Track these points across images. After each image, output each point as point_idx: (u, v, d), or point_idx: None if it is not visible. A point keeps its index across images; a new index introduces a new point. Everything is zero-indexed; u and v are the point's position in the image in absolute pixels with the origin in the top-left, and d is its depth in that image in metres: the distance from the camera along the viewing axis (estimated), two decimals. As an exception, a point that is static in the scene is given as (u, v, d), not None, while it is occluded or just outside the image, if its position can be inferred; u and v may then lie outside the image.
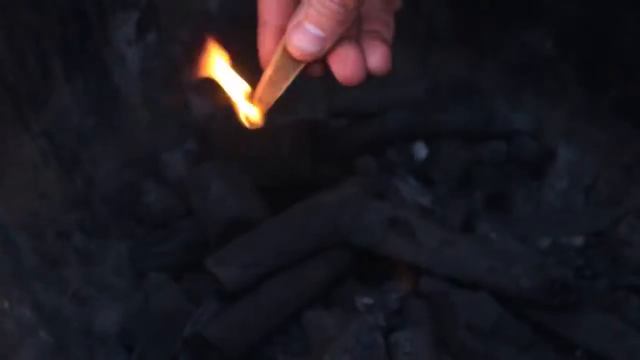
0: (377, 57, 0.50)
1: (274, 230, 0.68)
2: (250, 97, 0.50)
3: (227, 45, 0.50)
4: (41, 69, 0.70)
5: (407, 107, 0.85)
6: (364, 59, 0.50)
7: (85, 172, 0.75)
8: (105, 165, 0.78)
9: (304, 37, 0.47)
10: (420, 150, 0.84)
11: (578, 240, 0.73)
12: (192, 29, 0.83)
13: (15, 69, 0.67)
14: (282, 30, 0.48)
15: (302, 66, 0.49)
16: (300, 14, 0.47)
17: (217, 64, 0.52)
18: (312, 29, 0.47)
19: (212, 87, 0.50)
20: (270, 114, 0.50)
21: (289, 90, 0.49)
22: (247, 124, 0.51)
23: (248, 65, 0.49)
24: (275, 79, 0.50)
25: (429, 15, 0.88)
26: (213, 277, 0.66)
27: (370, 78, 0.51)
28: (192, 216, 0.74)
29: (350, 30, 0.49)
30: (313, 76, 0.51)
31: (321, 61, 0.50)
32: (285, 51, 0.48)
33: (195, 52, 0.50)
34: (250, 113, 0.50)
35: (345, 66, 0.50)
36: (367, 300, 0.66)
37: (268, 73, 0.49)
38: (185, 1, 0.82)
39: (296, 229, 0.67)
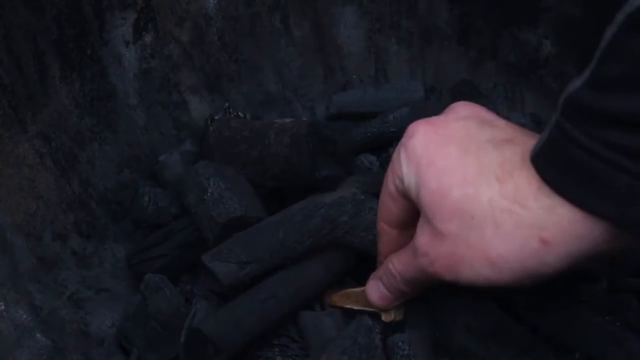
0: None
1: (272, 228, 0.68)
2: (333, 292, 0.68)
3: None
4: (38, 69, 0.70)
5: (407, 107, 0.84)
6: None
7: (82, 174, 0.75)
8: (102, 166, 0.78)
9: (375, 291, 0.61)
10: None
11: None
12: (189, 29, 0.83)
13: (12, 69, 0.67)
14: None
15: (374, 308, 0.63)
16: (380, 270, 0.60)
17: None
18: (381, 287, 0.60)
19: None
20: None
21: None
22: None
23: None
24: (354, 298, 0.66)
25: (428, 15, 0.88)
26: (210, 273, 0.66)
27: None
28: (189, 217, 0.74)
29: None
30: (385, 321, 0.64)
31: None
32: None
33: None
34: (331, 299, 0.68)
35: None
36: (365, 302, 0.66)
37: (356, 290, 0.66)
38: (182, 1, 0.81)
39: (294, 228, 0.67)
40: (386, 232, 0.59)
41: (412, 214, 0.54)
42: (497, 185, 0.46)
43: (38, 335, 0.65)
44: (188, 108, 0.85)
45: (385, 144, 0.82)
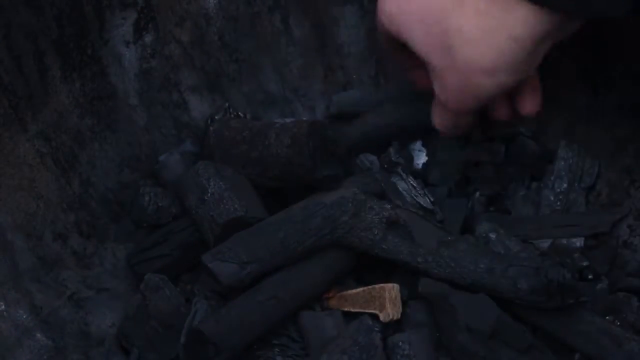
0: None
1: (273, 228, 0.68)
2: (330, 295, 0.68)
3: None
4: (38, 69, 0.70)
5: (406, 107, 0.84)
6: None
7: (82, 173, 0.75)
8: (102, 166, 0.78)
9: (438, 120, 0.69)
10: (420, 151, 0.84)
11: (578, 242, 0.72)
12: (189, 29, 0.83)
13: (12, 69, 0.67)
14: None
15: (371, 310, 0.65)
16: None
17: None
18: (437, 120, 0.69)
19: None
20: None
21: None
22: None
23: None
24: (351, 300, 0.67)
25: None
26: (210, 273, 0.66)
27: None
28: (189, 217, 0.74)
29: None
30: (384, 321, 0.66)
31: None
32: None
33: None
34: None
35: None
36: (366, 302, 0.66)
37: (352, 292, 0.67)
38: (182, 1, 0.81)
39: (295, 228, 0.67)
40: (392, 49, 0.68)
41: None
42: (459, 10, 0.54)
43: (38, 335, 0.65)
44: (188, 108, 0.85)
45: (385, 144, 0.82)
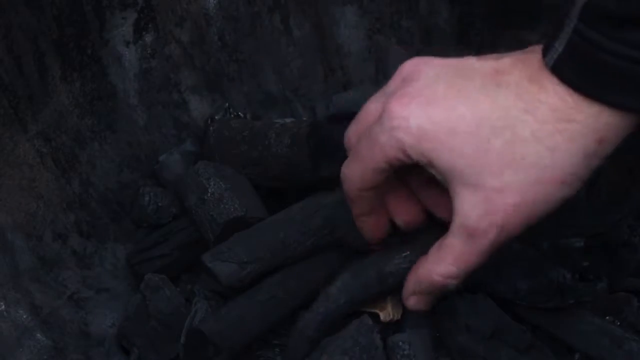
0: None
1: (273, 228, 0.68)
2: None
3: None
4: (38, 69, 0.70)
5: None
6: None
7: (82, 173, 0.75)
8: (102, 166, 0.78)
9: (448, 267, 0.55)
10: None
11: (578, 242, 0.72)
12: (189, 29, 0.83)
13: (12, 69, 0.67)
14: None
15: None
16: (418, 287, 0.57)
17: None
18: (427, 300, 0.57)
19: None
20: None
21: None
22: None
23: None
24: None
25: (428, 14, 0.88)
26: (210, 273, 0.66)
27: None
28: (189, 217, 0.74)
29: None
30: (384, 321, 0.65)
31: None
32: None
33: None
34: None
35: None
36: (366, 302, 0.66)
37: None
38: (182, 1, 0.81)
39: (295, 228, 0.67)
40: (365, 196, 0.56)
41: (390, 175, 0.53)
42: (530, 117, 0.46)
43: (38, 335, 0.65)
44: (188, 108, 0.85)
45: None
